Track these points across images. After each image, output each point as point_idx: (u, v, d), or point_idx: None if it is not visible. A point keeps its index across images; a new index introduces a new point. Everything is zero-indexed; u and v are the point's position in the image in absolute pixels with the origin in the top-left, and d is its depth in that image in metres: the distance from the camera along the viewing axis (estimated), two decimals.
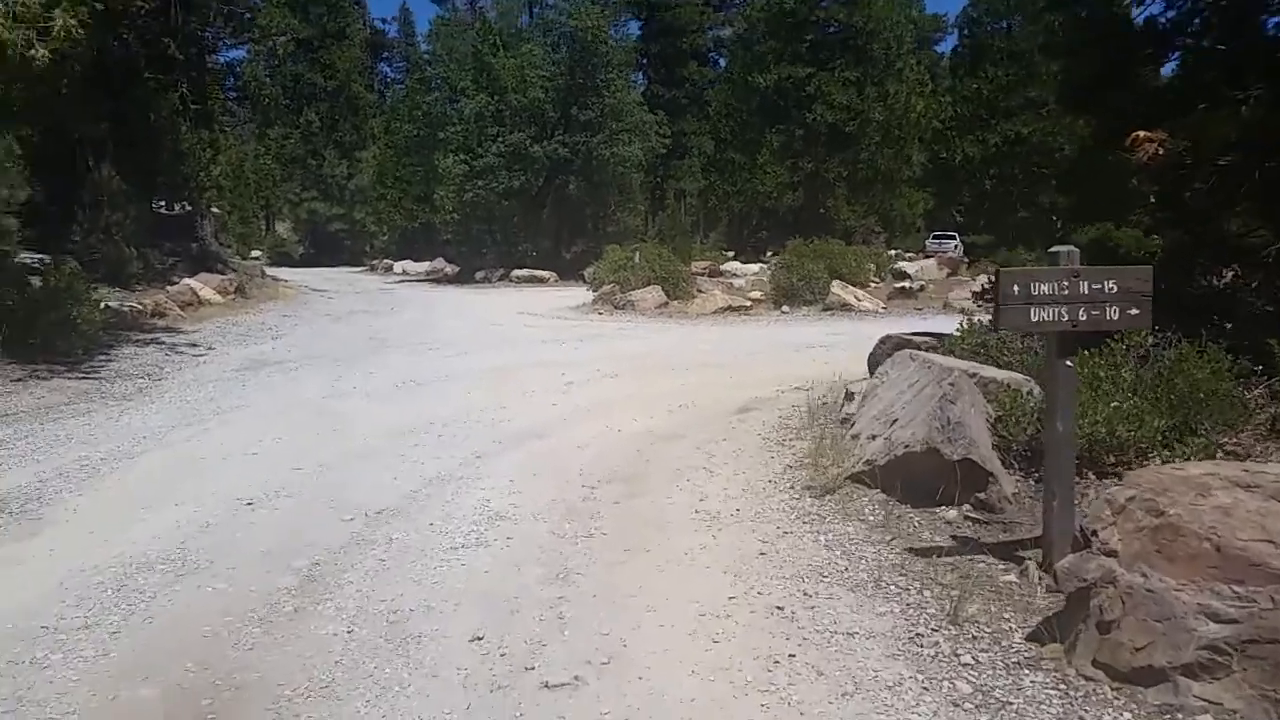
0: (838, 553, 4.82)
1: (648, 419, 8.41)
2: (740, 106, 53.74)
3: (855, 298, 18.60)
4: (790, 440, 7.44)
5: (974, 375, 5.94)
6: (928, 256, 39.88)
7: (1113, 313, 4.34)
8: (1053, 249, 4.47)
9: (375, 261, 53.03)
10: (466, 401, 9.29)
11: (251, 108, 58.77)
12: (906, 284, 25.76)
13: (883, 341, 9.88)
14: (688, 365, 11.70)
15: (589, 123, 33.60)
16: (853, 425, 6.52)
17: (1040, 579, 4.24)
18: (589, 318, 19.06)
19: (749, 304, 19.03)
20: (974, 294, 18.07)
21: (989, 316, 10.46)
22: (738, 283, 27.94)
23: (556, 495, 5.95)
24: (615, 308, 20.11)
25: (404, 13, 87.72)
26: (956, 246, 45.31)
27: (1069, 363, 4.38)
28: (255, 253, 47.90)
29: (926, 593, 4.24)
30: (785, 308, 18.70)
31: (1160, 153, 7.46)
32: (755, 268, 40.67)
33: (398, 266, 47.52)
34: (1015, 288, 4.32)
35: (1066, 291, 4.31)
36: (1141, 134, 7.43)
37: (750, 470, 6.53)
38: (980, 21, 48.27)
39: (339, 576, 4.59)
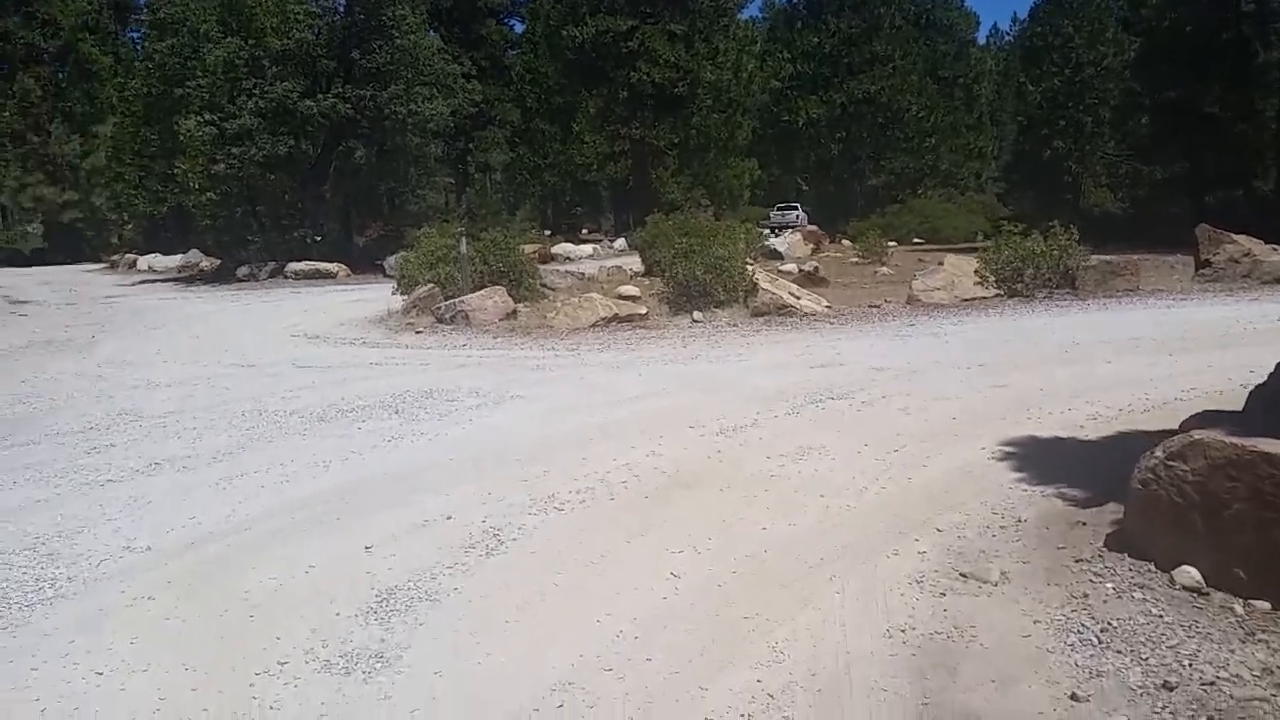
0: None
1: None
2: (547, 70, 47.33)
3: (791, 294, 12.96)
4: None
5: None
6: (774, 230, 35.21)
7: None
8: None
9: (117, 257, 43.63)
10: None
11: None
12: (796, 266, 20.66)
13: None
14: (666, 484, 5.55)
15: (377, 72, 26.18)
16: None
17: None
18: (403, 342, 12.42)
19: (643, 311, 12.98)
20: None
21: None
22: (587, 270, 21.95)
23: None
24: (440, 321, 13.57)
25: None
26: (799, 217, 41.40)
27: None
28: None
29: None
30: (696, 314, 12.80)
31: None
32: (588, 249, 34.70)
33: (143, 262, 38.80)
34: None
35: None
36: None
37: None
38: None
39: None
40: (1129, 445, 5.88)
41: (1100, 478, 5.07)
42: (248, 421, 7.55)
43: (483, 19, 51.21)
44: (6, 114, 49.70)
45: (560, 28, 43.06)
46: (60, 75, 53.36)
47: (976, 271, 13.77)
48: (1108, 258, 14.59)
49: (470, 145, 45.65)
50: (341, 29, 27.01)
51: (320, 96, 25.72)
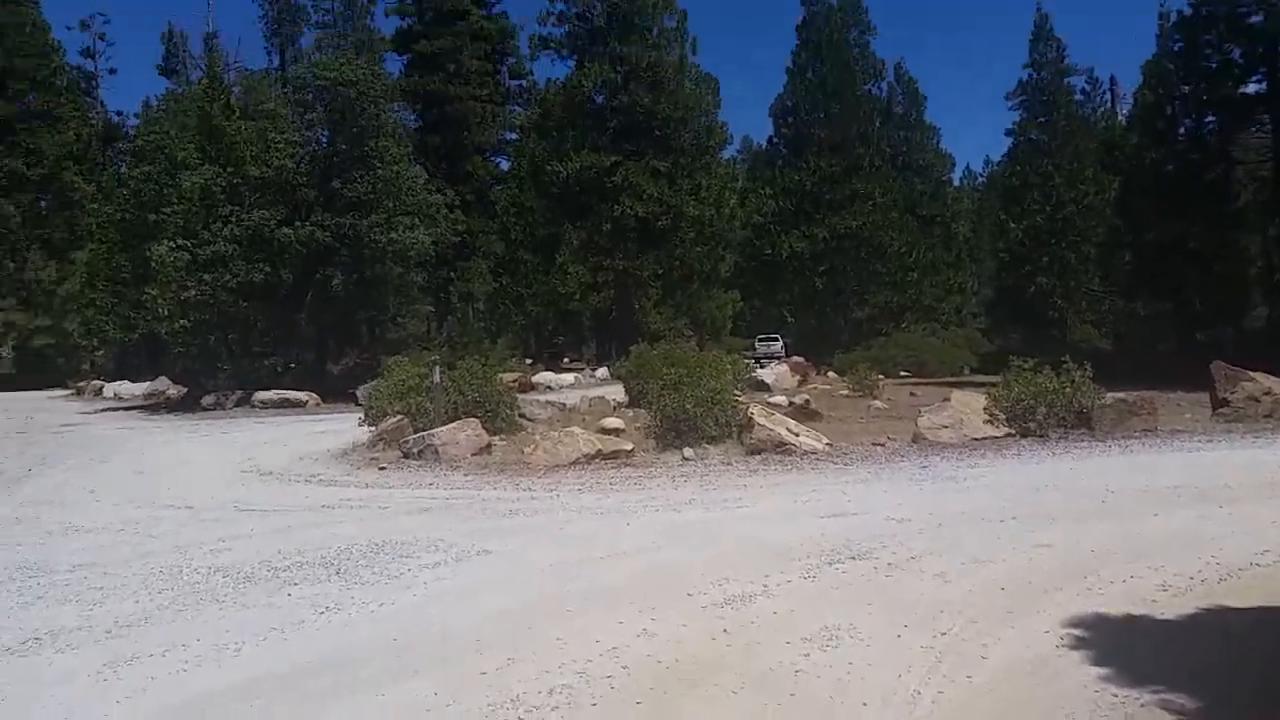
0: None
1: None
2: (532, 204, 47.78)
3: (789, 430, 12.03)
4: None
5: None
6: (759, 361, 34.70)
7: None
8: None
9: (84, 384, 42.58)
10: None
11: None
12: (785, 398, 19.83)
13: None
14: (664, 678, 4.47)
15: (358, 201, 25.85)
16: None
17: None
18: (364, 480, 11.30)
19: (629, 446, 11.97)
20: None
21: None
22: (568, 400, 21.01)
23: None
24: (406, 455, 12.50)
25: (146, 106, 58.66)
26: (782, 348, 41.54)
27: None
28: None
29: None
30: (687, 450, 11.81)
31: None
32: (570, 378, 33.85)
33: (109, 389, 37.73)
34: None
35: None
36: None
37: None
38: (798, 109, 44.95)
39: None
40: (1217, 627, 4.90)
41: (1200, 676, 4.11)
42: (163, 581, 6.39)
43: (469, 156, 52.19)
44: None
45: (545, 164, 43.58)
46: (41, 202, 53.46)
47: (986, 409, 12.93)
48: (1121, 395, 13.81)
49: (452, 274, 45.55)
50: (323, 158, 26.85)
51: (299, 224, 25.26)
